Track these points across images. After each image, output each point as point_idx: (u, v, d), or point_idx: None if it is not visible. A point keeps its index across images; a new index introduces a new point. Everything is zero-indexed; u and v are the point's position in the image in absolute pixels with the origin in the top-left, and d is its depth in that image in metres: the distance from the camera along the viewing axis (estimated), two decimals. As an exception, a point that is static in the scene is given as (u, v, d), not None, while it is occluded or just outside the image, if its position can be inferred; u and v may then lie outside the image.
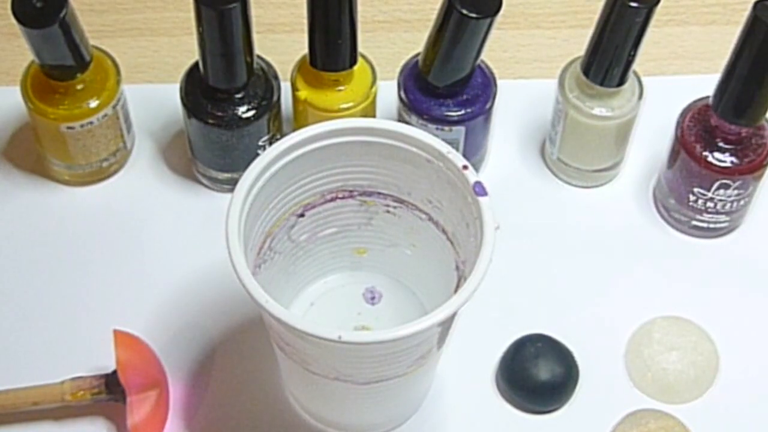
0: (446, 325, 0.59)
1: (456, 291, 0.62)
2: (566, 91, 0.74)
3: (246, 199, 0.59)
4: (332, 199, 0.65)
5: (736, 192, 0.73)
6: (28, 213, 0.76)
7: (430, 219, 0.64)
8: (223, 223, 0.57)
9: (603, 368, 0.71)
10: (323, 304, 0.70)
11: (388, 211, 0.66)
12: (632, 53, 0.70)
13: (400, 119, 0.75)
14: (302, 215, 0.65)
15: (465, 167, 0.60)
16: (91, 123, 0.73)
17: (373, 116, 0.76)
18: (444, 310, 0.56)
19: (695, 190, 0.73)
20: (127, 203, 0.77)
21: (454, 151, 0.60)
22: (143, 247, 0.75)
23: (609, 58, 0.71)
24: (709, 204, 0.74)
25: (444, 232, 0.64)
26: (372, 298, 0.70)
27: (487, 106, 0.74)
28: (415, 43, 0.75)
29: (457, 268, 0.63)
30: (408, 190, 0.64)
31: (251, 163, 0.59)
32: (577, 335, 0.71)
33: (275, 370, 0.70)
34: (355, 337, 0.55)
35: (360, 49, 0.72)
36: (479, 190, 0.59)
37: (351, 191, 0.65)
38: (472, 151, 0.76)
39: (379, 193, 0.65)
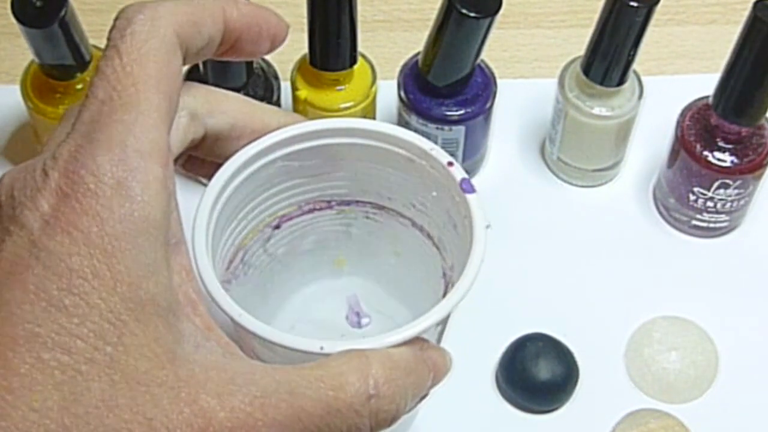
0: (433, 332, 0.56)
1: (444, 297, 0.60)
2: (566, 90, 0.74)
3: (213, 210, 0.55)
4: (310, 211, 0.62)
5: (736, 191, 0.73)
6: (28, 213, 0.76)
7: (414, 224, 0.62)
8: (189, 239, 0.53)
9: (603, 368, 0.71)
10: (304, 319, 0.67)
11: (367, 218, 0.63)
12: (632, 53, 0.70)
13: (400, 119, 0.75)
14: (278, 227, 0.62)
15: (450, 164, 0.56)
16: (91, 123, 0.73)
17: (373, 116, 0.76)
18: (431, 316, 0.52)
19: (695, 189, 0.73)
20: (127, 203, 0.77)
21: (437, 147, 0.57)
22: (143, 247, 0.75)
23: (609, 58, 0.71)
24: (709, 203, 0.74)
25: (429, 237, 0.61)
26: (357, 313, 0.67)
27: (487, 106, 0.74)
28: (415, 42, 0.75)
29: (444, 275, 0.61)
30: (388, 195, 0.61)
31: (217, 170, 0.55)
32: (577, 335, 0.71)
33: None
34: (339, 348, 0.51)
35: (360, 48, 0.72)
36: (467, 187, 0.56)
37: (329, 201, 0.62)
38: (472, 151, 0.76)
39: (358, 201, 0.62)
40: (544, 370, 0.69)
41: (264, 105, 0.53)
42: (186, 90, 0.48)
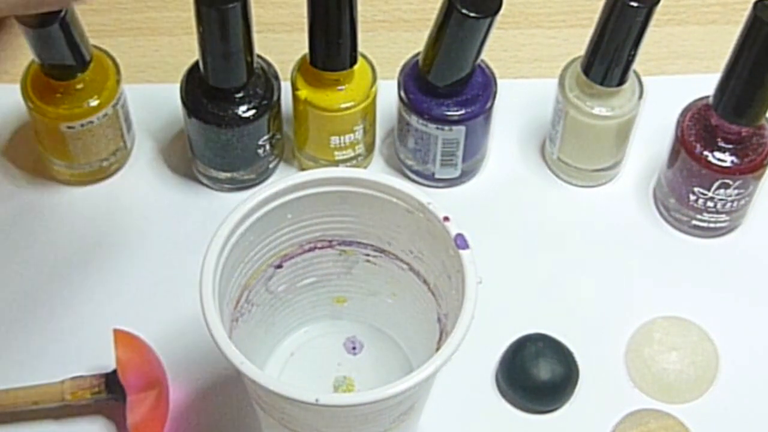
0: (429, 381, 0.58)
1: (438, 343, 0.60)
2: (566, 90, 0.74)
3: (220, 256, 0.57)
4: (311, 249, 0.63)
5: (736, 191, 0.73)
6: (28, 213, 0.76)
7: (411, 269, 0.63)
8: (197, 282, 0.55)
9: (603, 368, 0.71)
10: (303, 355, 0.69)
11: (368, 261, 0.64)
12: (632, 53, 0.70)
13: (401, 119, 0.75)
14: (280, 266, 0.63)
15: (446, 219, 0.58)
16: (91, 122, 0.73)
17: (374, 116, 0.76)
18: (425, 369, 0.54)
19: (695, 189, 0.73)
20: (127, 203, 0.77)
21: (434, 202, 0.58)
22: (143, 247, 0.75)
23: (609, 58, 0.71)
24: (710, 203, 0.74)
25: (425, 282, 0.63)
26: (353, 348, 0.69)
27: (488, 106, 0.74)
28: (416, 42, 0.75)
29: (439, 320, 0.62)
30: (388, 240, 0.62)
31: (224, 219, 0.58)
32: (577, 335, 0.71)
33: (275, 370, 0.70)
34: (333, 400, 0.53)
35: (360, 48, 0.72)
36: (461, 243, 0.57)
37: (330, 241, 0.63)
38: (472, 151, 0.76)
39: (359, 243, 0.63)
40: (544, 371, 0.69)
41: None
42: None
